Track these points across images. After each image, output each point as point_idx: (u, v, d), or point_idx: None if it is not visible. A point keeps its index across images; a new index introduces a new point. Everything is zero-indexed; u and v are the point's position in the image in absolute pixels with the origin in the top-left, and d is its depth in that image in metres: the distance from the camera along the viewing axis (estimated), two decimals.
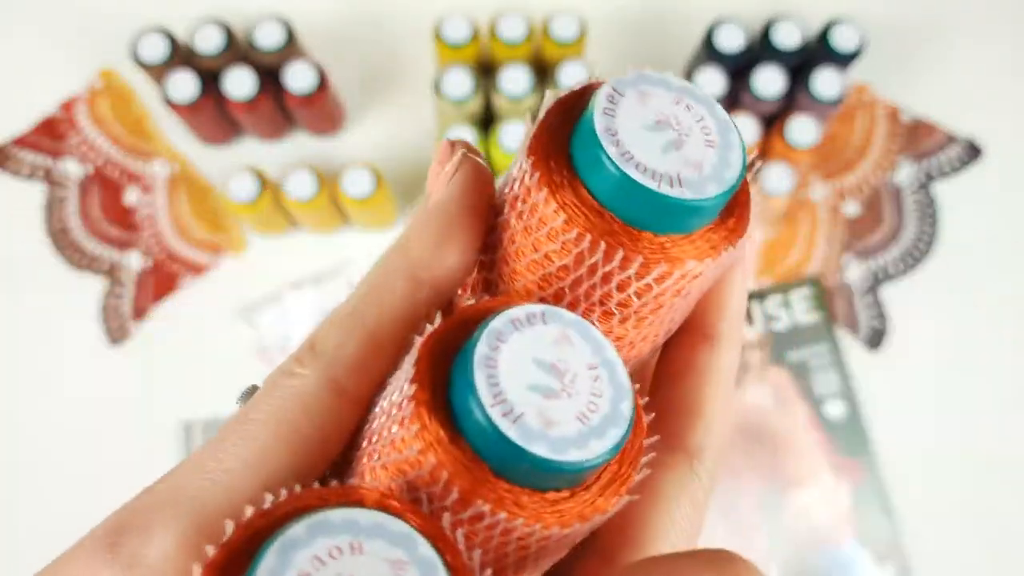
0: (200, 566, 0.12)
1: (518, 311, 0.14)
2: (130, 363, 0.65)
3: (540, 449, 0.13)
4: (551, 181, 0.15)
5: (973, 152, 0.70)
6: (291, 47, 0.62)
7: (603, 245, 0.15)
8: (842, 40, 0.63)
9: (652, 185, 0.14)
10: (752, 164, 0.16)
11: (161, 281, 0.66)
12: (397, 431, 0.14)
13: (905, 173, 0.69)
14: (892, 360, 0.66)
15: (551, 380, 0.14)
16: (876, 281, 0.68)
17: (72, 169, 0.68)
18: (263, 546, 0.12)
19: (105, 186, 0.68)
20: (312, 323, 0.64)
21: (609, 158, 0.14)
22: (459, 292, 0.18)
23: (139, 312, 0.66)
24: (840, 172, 0.69)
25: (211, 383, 0.64)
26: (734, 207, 0.16)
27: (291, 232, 0.68)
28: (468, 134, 0.62)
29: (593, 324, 0.16)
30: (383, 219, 0.66)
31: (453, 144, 0.18)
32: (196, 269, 0.67)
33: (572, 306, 0.16)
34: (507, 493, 0.13)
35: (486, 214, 0.17)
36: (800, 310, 0.66)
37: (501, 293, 0.17)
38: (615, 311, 0.16)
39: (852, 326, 0.67)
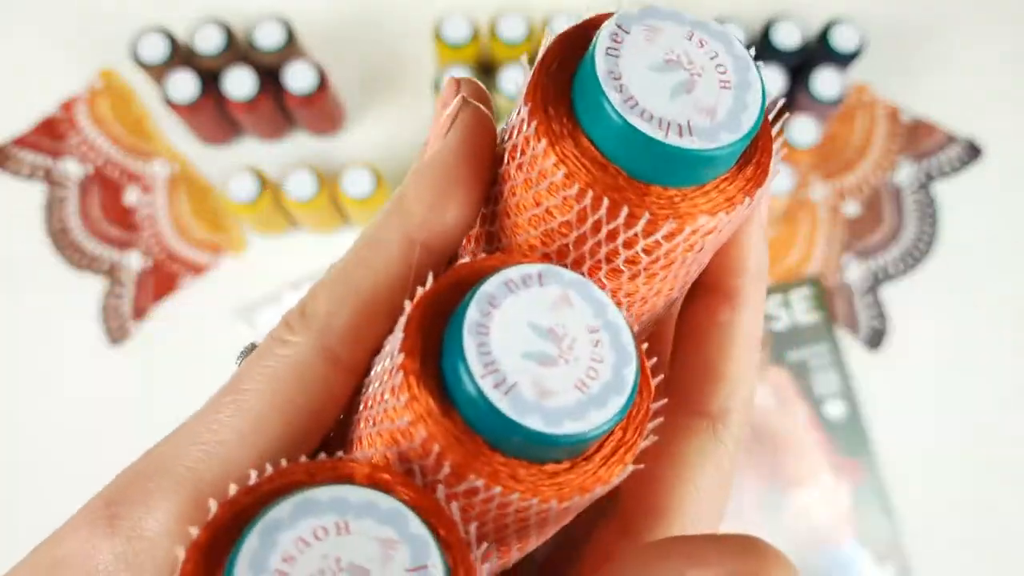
0: (184, 548, 0.12)
1: (513, 272, 0.13)
2: (130, 363, 0.65)
3: (534, 422, 0.12)
4: (550, 131, 0.14)
5: (973, 152, 0.70)
6: (291, 47, 0.62)
7: (606, 201, 0.13)
8: (842, 40, 0.63)
9: (659, 135, 0.13)
10: (775, 106, 0.15)
11: (161, 281, 0.66)
12: (389, 399, 0.13)
13: (905, 173, 0.69)
14: (892, 360, 0.66)
15: (548, 346, 0.13)
16: (876, 281, 0.68)
17: (72, 169, 0.68)
18: (247, 527, 0.11)
19: (105, 186, 0.68)
20: None
21: (611, 106, 0.13)
22: (463, 243, 0.17)
23: (139, 312, 0.66)
24: (840, 172, 0.69)
25: (211, 383, 0.63)
26: (752, 153, 0.14)
27: (291, 232, 0.68)
28: None
29: (600, 281, 0.15)
30: None
31: (458, 82, 0.17)
32: (196, 269, 0.67)
33: (577, 263, 0.15)
34: (502, 467, 0.13)
35: (487, 167, 0.16)
36: (800, 310, 0.66)
37: (503, 247, 0.16)
38: (623, 268, 0.15)
39: (852, 326, 0.67)
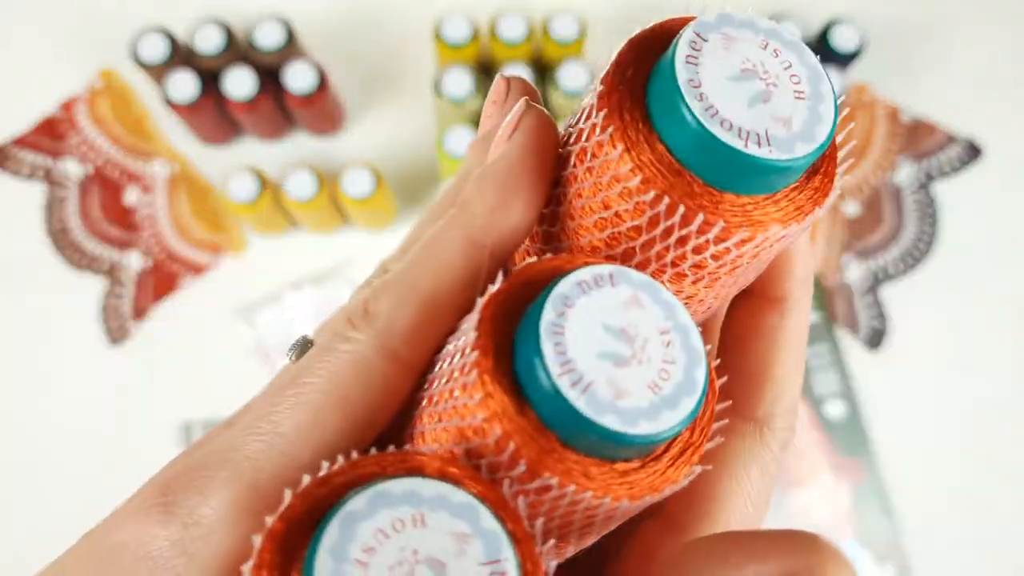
0: (260, 536, 0.12)
1: (585, 273, 0.13)
2: (130, 363, 0.65)
3: (610, 421, 0.12)
4: (626, 136, 0.14)
5: (973, 152, 0.70)
6: (291, 47, 0.62)
7: (682, 208, 0.14)
8: (842, 40, 0.63)
9: (738, 145, 0.13)
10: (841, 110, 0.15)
11: (161, 281, 0.66)
12: (459, 396, 0.13)
13: (905, 173, 0.69)
14: (892, 360, 0.66)
15: (621, 346, 0.13)
16: (876, 281, 0.68)
17: (72, 169, 0.68)
18: (324, 518, 0.12)
19: (105, 186, 0.68)
20: (312, 323, 0.64)
21: (693, 114, 0.13)
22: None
23: (139, 312, 0.66)
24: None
25: (211, 383, 0.64)
26: (820, 163, 0.15)
27: (291, 232, 0.68)
28: (468, 134, 0.62)
29: (663, 284, 0.15)
30: (383, 219, 0.66)
31: (508, 81, 0.17)
32: (196, 269, 0.67)
33: (641, 266, 0.15)
34: (575, 464, 0.13)
35: (551, 170, 0.16)
36: None
37: (564, 248, 0.16)
38: (688, 273, 0.15)
39: (852, 326, 0.67)
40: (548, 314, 0.13)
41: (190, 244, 0.67)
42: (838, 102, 0.14)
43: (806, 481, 0.63)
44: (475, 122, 0.64)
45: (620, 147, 0.14)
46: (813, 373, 0.65)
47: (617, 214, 0.14)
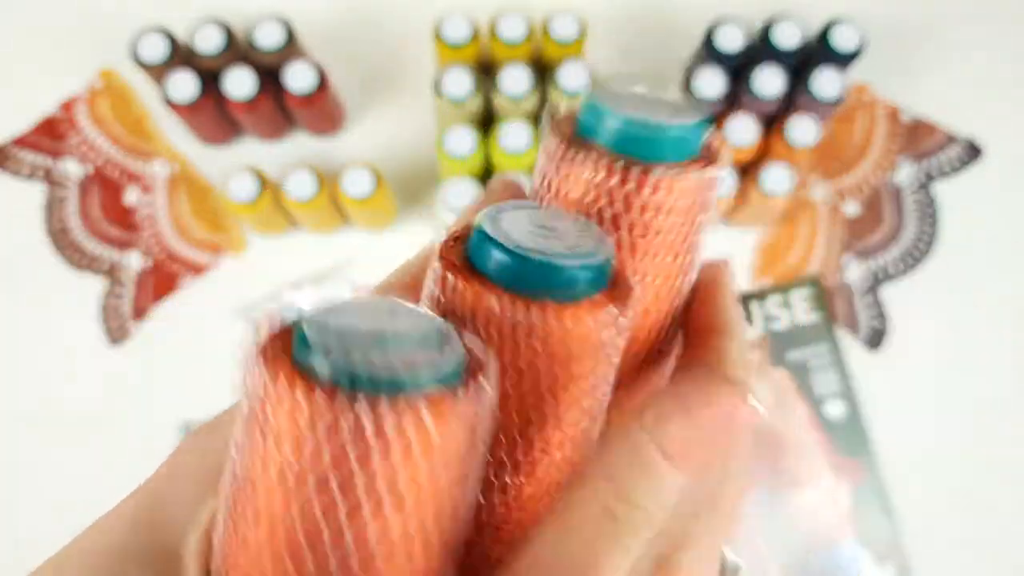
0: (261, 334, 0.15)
1: (519, 201, 0.19)
2: (130, 363, 0.65)
3: (540, 258, 0.17)
4: (573, 146, 0.19)
5: (973, 152, 0.70)
6: (291, 47, 0.62)
7: (606, 163, 0.19)
8: (842, 40, 0.63)
9: (649, 121, 0.19)
10: (715, 119, 0.19)
11: (161, 281, 0.66)
12: (435, 292, 0.17)
13: (905, 173, 0.69)
14: (892, 360, 0.66)
15: (546, 232, 0.18)
16: (876, 281, 0.68)
17: (72, 169, 0.68)
18: (301, 320, 0.14)
19: (105, 186, 0.68)
20: None
21: (611, 112, 0.19)
22: None
23: (139, 312, 0.66)
24: (840, 172, 0.69)
25: (211, 383, 0.64)
26: (707, 154, 0.20)
27: (291, 232, 0.68)
28: (468, 134, 0.62)
29: None
30: (383, 219, 0.66)
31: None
32: (196, 269, 0.67)
33: None
34: (515, 300, 0.17)
35: (515, 195, 0.23)
36: (800, 310, 0.66)
37: None
38: (623, 238, 0.19)
39: (852, 326, 0.67)
40: (490, 211, 0.18)
41: (190, 244, 0.67)
42: (714, 115, 0.19)
43: (806, 481, 0.63)
44: (475, 122, 0.64)
45: (570, 152, 0.19)
46: (813, 373, 0.65)
47: (565, 198, 0.20)
